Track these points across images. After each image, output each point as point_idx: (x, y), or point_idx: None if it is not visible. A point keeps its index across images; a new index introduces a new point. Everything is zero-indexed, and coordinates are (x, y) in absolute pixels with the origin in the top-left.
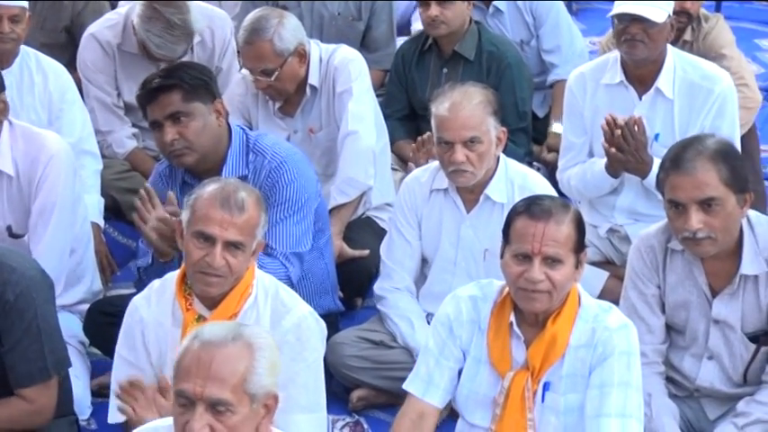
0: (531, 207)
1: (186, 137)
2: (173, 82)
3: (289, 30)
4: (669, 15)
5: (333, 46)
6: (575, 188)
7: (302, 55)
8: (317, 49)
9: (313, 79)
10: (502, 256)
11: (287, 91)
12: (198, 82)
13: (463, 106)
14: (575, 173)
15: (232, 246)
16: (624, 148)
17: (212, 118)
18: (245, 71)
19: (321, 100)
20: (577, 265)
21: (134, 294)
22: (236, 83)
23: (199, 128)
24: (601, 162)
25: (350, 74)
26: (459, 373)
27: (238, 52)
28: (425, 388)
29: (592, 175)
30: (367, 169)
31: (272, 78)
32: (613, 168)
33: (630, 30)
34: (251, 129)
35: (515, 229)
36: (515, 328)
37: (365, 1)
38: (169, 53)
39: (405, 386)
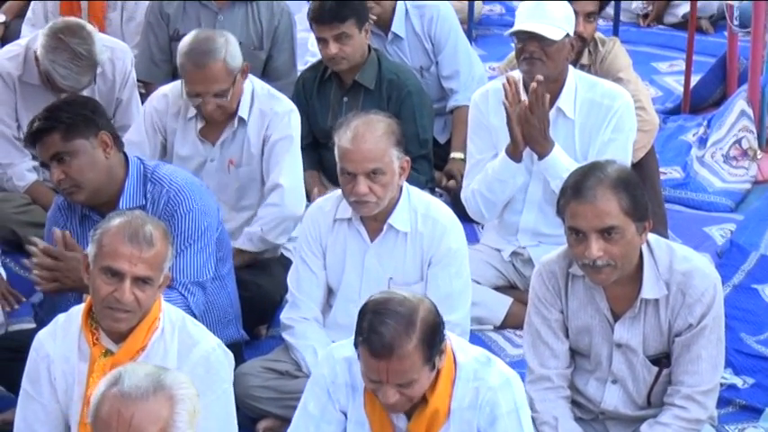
0: (370, 338)
1: (71, 176)
2: (50, 124)
3: (235, 46)
4: (568, 35)
5: (267, 86)
6: (479, 194)
7: (245, 71)
8: (249, 84)
9: (243, 111)
10: None
11: (232, 109)
12: (77, 119)
13: (366, 138)
14: (477, 179)
15: (141, 281)
16: (530, 119)
17: (98, 152)
18: (172, 91)
19: (249, 136)
20: (433, 366)
21: (36, 329)
22: (156, 99)
23: (83, 165)
24: (501, 154)
25: (290, 123)
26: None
27: (139, 82)
28: None
29: (493, 170)
30: (284, 234)
31: (228, 99)
32: (515, 146)
33: (528, 47)
34: (165, 147)
35: (363, 360)
36: None
37: (266, 30)
38: (74, 84)
39: None
